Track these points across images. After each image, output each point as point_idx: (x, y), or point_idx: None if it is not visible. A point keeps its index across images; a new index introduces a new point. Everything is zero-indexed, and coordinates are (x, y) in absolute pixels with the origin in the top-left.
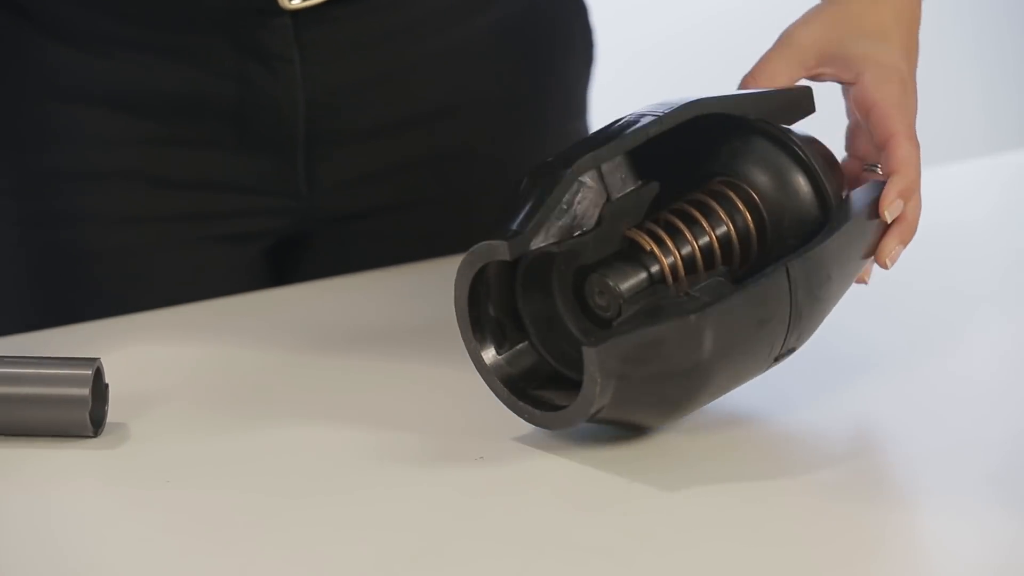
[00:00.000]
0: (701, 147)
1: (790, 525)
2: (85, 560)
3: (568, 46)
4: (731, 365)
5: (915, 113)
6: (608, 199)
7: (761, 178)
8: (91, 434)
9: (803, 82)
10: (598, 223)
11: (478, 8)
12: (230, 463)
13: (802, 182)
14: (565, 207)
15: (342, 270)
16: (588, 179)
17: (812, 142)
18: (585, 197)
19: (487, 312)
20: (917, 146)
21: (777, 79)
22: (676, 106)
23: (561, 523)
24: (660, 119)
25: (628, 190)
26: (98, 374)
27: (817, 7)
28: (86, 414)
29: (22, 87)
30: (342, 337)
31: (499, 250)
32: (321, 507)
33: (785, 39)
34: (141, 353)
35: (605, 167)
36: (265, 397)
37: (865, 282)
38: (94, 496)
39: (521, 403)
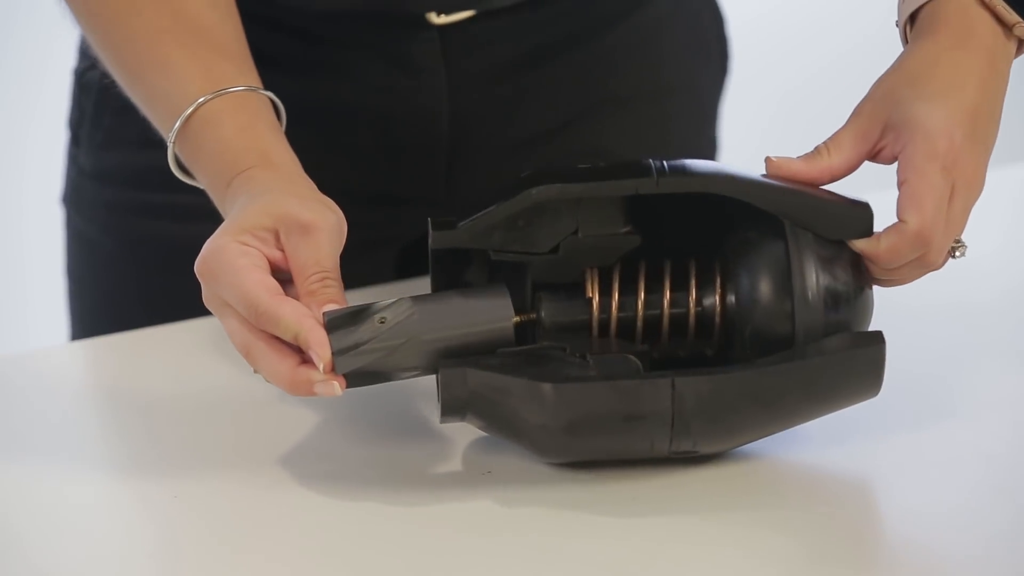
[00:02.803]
0: (722, 221)
1: (789, 541)
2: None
3: (704, 54)
4: (592, 441)
5: (963, 200)
6: (576, 232)
7: (745, 280)
8: None
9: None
10: (554, 250)
11: (619, 18)
12: (234, 469)
13: (777, 301)
14: (521, 224)
15: None
16: (558, 206)
17: (831, 261)
18: (544, 221)
19: None
20: (918, 241)
21: (843, 154)
22: (695, 173)
23: (569, 539)
24: (657, 182)
25: (604, 232)
26: None
27: (884, 72)
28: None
29: None
30: None
31: (432, 236)
32: (327, 519)
33: (854, 112)
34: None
35: (586, 201)
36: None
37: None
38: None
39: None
